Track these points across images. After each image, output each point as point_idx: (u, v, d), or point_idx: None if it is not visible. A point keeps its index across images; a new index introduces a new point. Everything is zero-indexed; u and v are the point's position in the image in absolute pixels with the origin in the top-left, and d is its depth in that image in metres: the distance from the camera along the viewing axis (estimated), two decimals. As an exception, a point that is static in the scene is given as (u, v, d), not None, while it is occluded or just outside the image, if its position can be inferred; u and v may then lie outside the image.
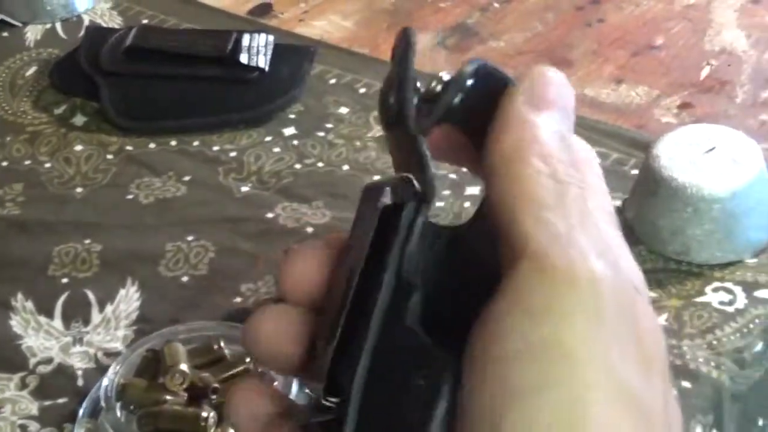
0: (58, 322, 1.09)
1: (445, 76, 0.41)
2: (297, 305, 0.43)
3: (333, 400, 0.41)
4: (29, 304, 1.11)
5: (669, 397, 0.39)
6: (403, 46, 0.42)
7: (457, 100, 0.41)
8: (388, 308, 0.40)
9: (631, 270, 0.41)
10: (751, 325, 1.04)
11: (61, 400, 1.01)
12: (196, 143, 1.32)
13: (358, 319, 0.40)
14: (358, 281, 0.41)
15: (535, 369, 0.35)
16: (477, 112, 0.41)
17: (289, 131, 1.33)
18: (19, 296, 1.12)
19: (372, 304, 0.40)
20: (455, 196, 1.19)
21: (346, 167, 1.27)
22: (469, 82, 0.41)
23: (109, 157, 1.31)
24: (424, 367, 0.38)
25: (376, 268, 0.41)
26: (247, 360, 0.96)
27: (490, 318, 0.37)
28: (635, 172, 1.18)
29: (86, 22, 1.58)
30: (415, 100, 0.41)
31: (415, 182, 0.41)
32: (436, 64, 1.53)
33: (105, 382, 0.95)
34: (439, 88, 0.41)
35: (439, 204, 1.16)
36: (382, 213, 0.41)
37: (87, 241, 1.18)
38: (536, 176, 0.39)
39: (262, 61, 1.38)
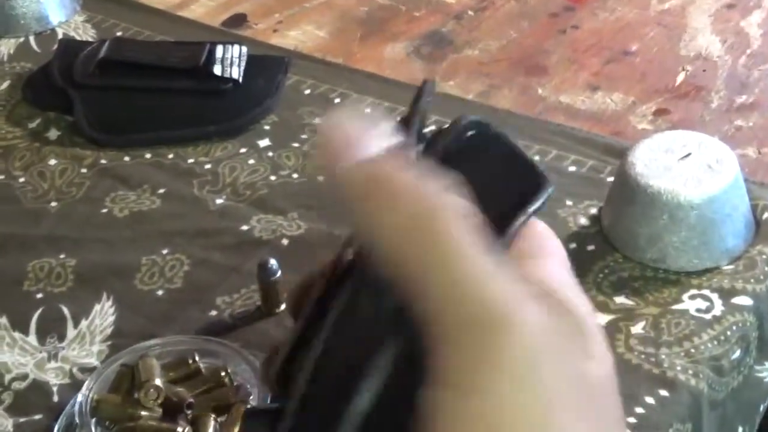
0: (32, 338, 1.08)
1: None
2: None
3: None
4: (3, 320, 1.10)
5: None
6: (417, 94, 0.42)
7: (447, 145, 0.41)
8: (347, 302, 0.39)
9: (568, 302, 0.37)
10: (729, 333, 1.03)
11: (36, 417, 1.01)
12: (170, 156, 1.32)
13: (318, 317, 0.40)
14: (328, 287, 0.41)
15: None
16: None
17: (263, 143, 1.33)
18: (-7, 312, 1.11)
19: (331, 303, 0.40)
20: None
21: (321, 178, 1.26)
22: (470, 133, 0.41)
23: (84, 170, 1.30)
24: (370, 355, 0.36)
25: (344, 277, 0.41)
26: (222, 374, 0.96)
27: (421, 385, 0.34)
28: (611, 179, 1.18)
29: (60, 36, 1.57)
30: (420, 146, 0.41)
31: None
32: (412, 73, 1.53)
33: (79, 398, 0.95)
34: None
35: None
36: None
37: (62, 256, 1.17)
38: (394, 209, 0.34)
39: (236, 73, 1.38)
